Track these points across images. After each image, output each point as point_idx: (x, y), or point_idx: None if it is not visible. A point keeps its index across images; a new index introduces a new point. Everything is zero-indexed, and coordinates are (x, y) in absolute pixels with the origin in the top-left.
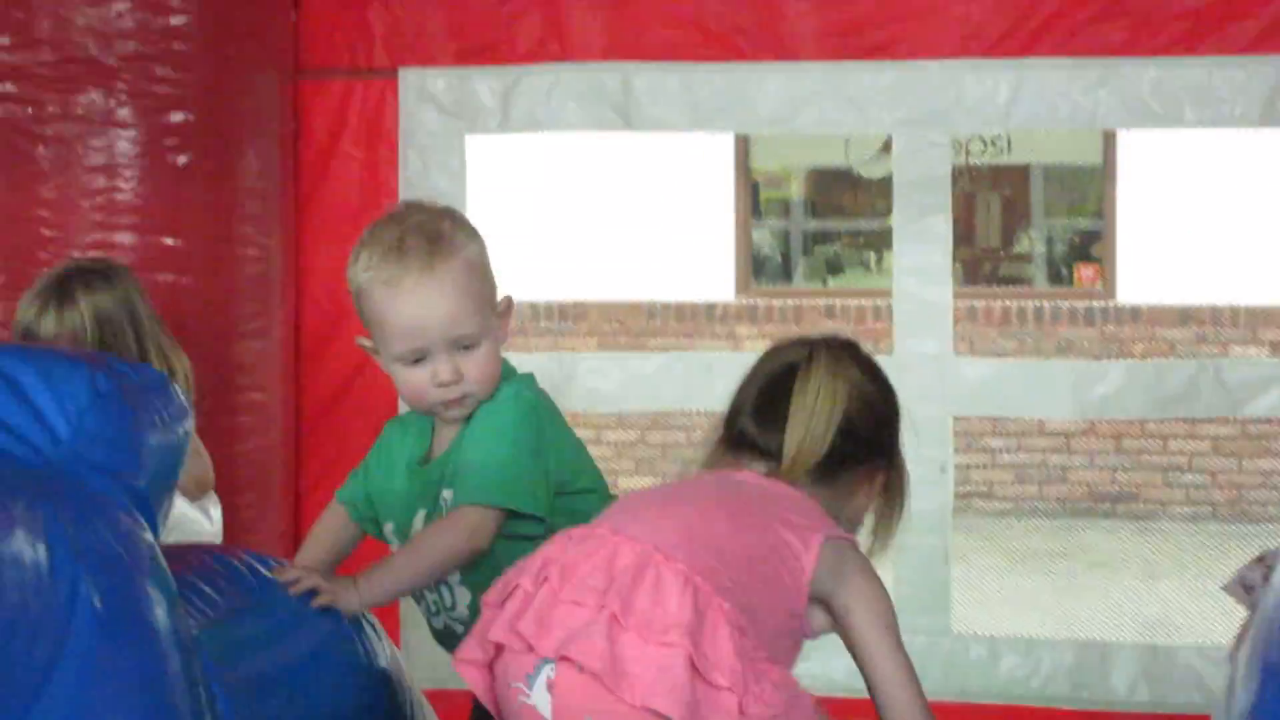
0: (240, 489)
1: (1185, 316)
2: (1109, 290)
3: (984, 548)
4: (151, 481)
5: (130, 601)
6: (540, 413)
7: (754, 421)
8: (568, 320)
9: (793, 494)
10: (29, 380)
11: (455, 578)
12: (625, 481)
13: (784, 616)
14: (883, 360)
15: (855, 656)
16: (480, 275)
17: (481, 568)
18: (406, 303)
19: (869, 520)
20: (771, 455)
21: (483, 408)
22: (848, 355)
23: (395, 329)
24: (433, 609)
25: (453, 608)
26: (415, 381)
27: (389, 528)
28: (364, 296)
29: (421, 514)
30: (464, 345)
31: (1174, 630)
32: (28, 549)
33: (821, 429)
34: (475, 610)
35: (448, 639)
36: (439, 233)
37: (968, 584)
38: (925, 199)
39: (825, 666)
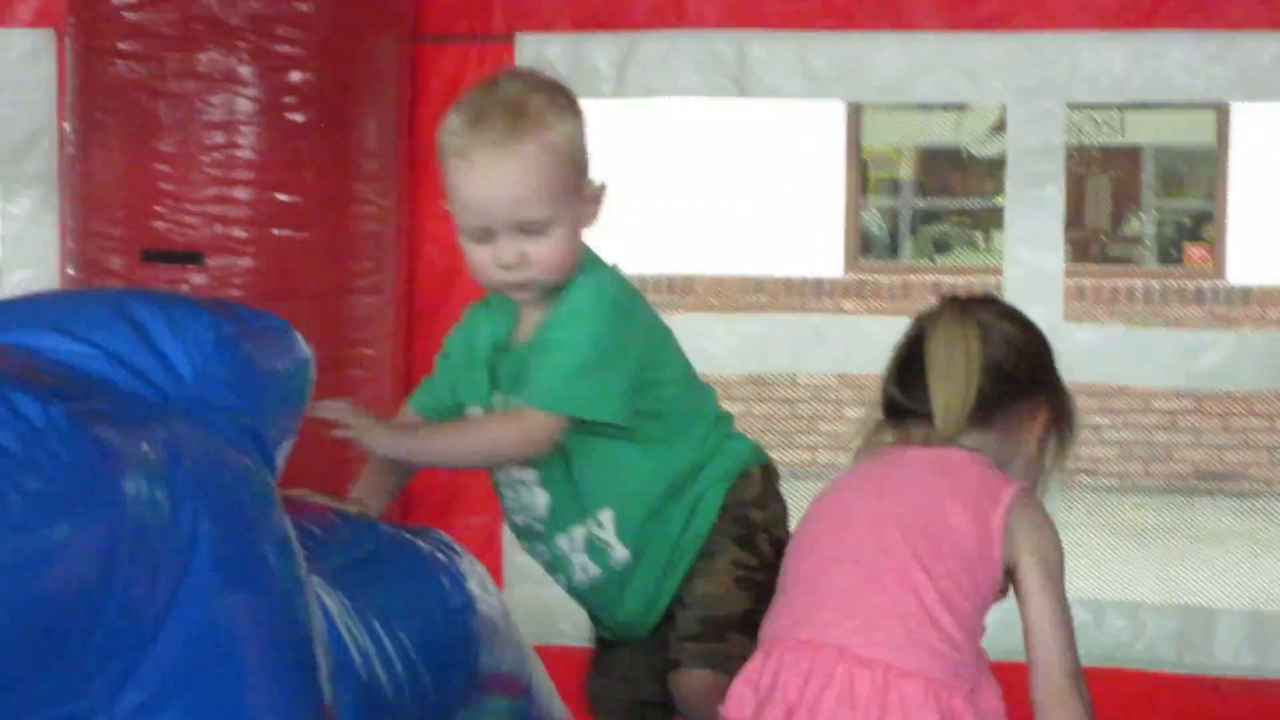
0: (347, 445)
1: None
2: (1219, 270)
3: (1088, 523)
4: (272, 426)
5: (248, 544)
6: (623, 310)
7: (898, 386)
8: (675, 293)
9: (961, 462)
10: (155, 325)
11: (530, 477)
12: None
13: (989, 594)
14: None
15: (1019, 603)
16: (563, 159)
17: (556, 468)
18: (474, 178)
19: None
20: (926, 416)
21: (565, 297)
22: (977, 304)
23: (462, 203)
24: (512, 506)
25: (531, 507)
26: (479, 259)
27: (473, 411)
28: (442, 162)
29: (500, 399)
30: (531, 230)
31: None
32: (151, 489)
33: (962, 376)
34: (555, 511)
35: (528, 535)
36: (524, 108)
37: (1072, 556)
38: (1038, 168)
39: None
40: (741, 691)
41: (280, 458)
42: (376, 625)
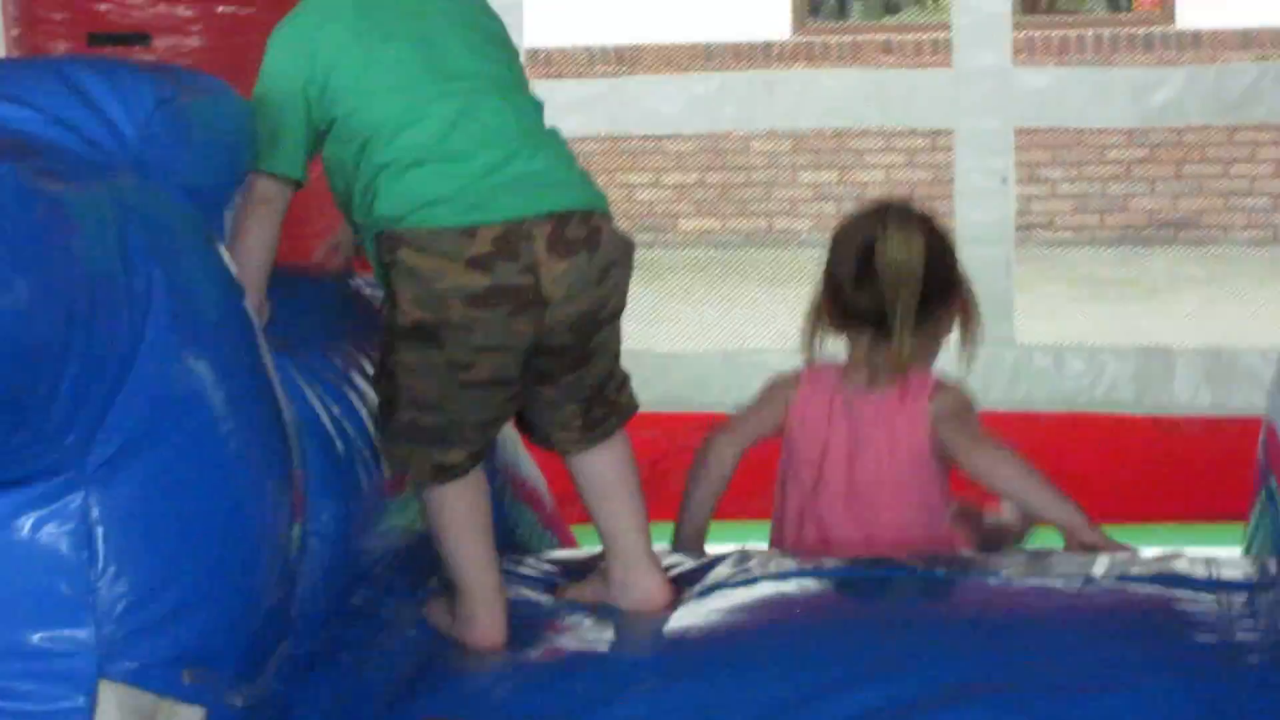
0: (313, 225)
1: (1246, 40)
2: (1168, 15)
3: (1046, 276)
4: (215, 179)
5: (200, 295)
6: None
7: (854, 289)
8: (624, 64)
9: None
10: (98, 88)
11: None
12: (686, 223)
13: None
14: (942, 74)
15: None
16: None
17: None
18: None
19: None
20: (878, 320)
21: None
22: (911, 212)
23: None
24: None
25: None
26: None
27: None
28: None
29: None
30: None
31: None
32: (104, 242)
33: (914, 284)
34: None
35: None
36: None
37: (1032, 307)
38: None
39: None
40: None
41: (226, 215)
42: (341, 383)
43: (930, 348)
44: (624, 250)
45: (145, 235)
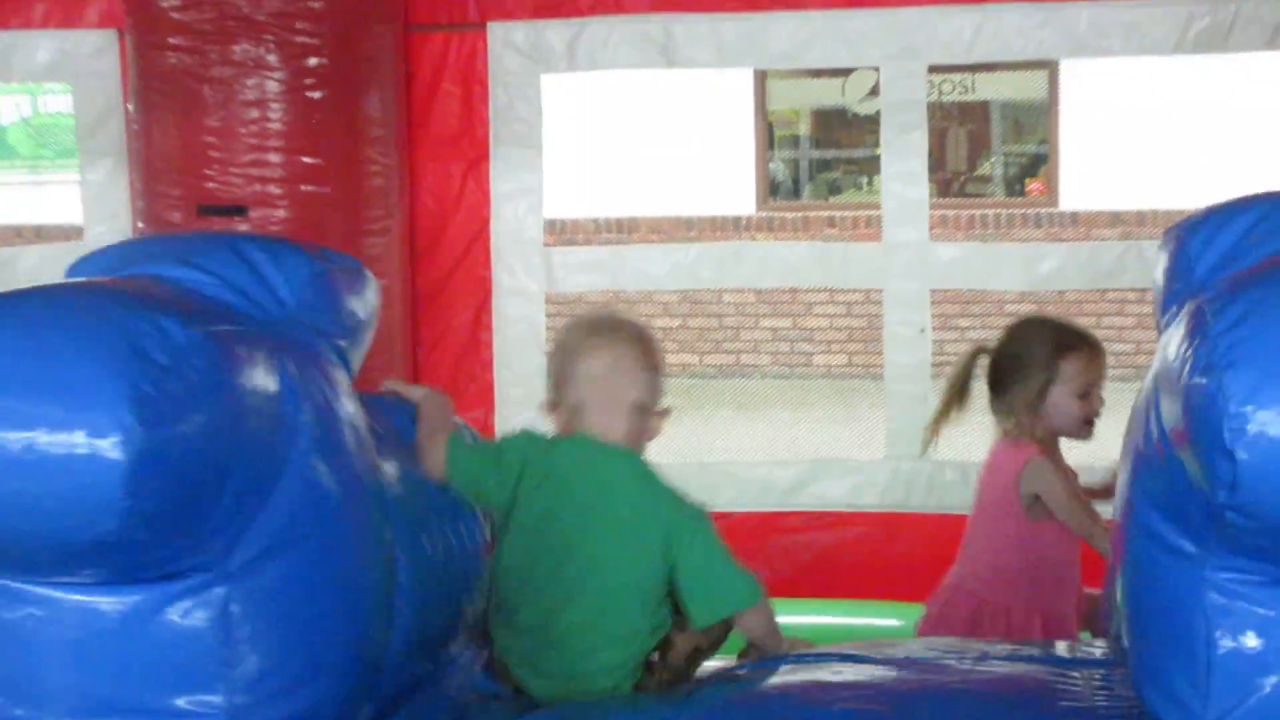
0: (370, 353)
1: (1114, 219)
2: (1053, 200)
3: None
4: (350, 341)
5: (336, 430)
6: None
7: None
8: (623, 232)
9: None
10: (263, 261)
11: None
12: (671, 359)
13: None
14: (874, 246)
15: None
16: None
17: None
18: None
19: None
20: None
21: None
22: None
23: None
24: None
25: None
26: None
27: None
28: None
29: None
30: None
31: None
32: (265, 388)
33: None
34: None
35: None
36: None
37: (946, 432)
38: (906, 117)
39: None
40: None
41: (355, 363)
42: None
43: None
44: None
45: (297, 377)
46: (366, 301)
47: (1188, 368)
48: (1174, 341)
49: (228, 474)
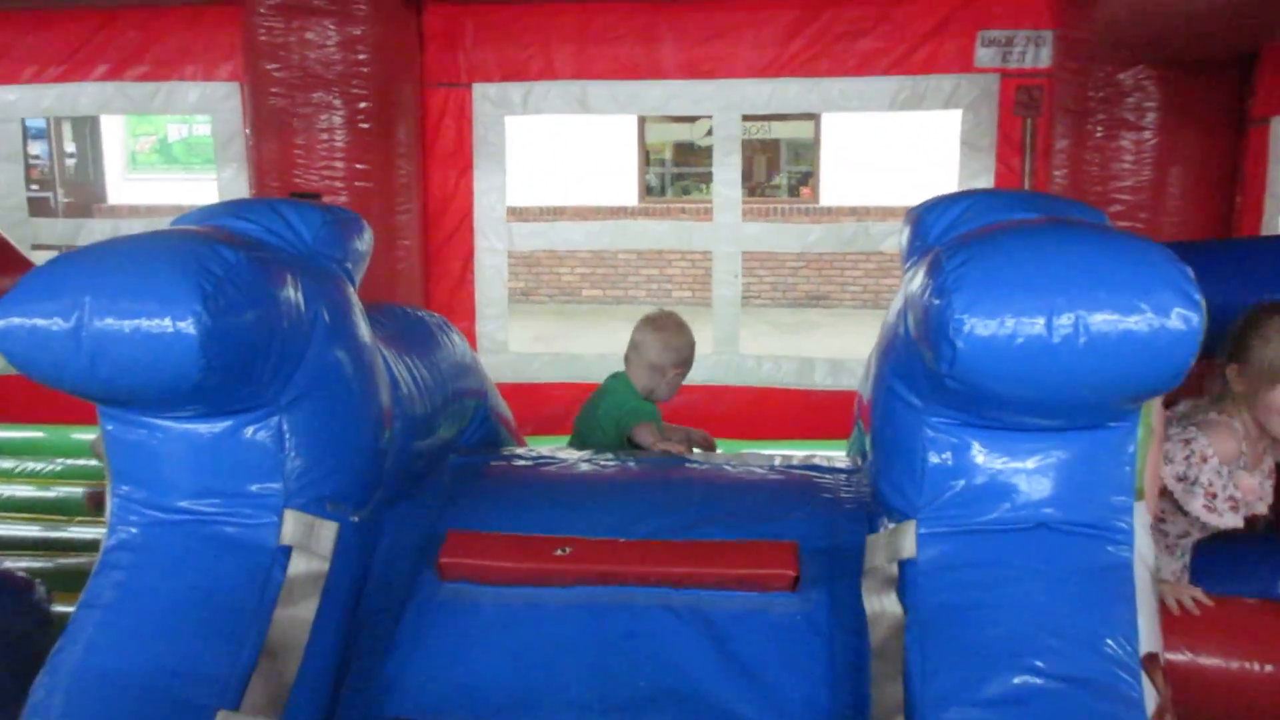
0: (402, 285)
1: (852, 211)
2: (816, 199)
3: (757, 320)
4: (354, 265)
5: (345, 322)
6: None
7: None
8: (555, 214)
9: None
10: (291, 213)
11: None
12: (587, 292)
13: None
14: (707, 226)
15: None
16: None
17: None
18: None
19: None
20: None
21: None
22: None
23: None
24: None
25: None
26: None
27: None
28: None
29: None
30: None
31: (845, 353)
32: (293, 294)
33: None
34: None
35: None
36: None
37: (749, 337)
38: (729, 147)
39: None
40: None
41: (357, 280)
42: (408, 361)
43: None
44: None
45: (315, 288)
46: (365, 239)
47: (928, 291)
48: (918, 278)
49: (269, 346)
